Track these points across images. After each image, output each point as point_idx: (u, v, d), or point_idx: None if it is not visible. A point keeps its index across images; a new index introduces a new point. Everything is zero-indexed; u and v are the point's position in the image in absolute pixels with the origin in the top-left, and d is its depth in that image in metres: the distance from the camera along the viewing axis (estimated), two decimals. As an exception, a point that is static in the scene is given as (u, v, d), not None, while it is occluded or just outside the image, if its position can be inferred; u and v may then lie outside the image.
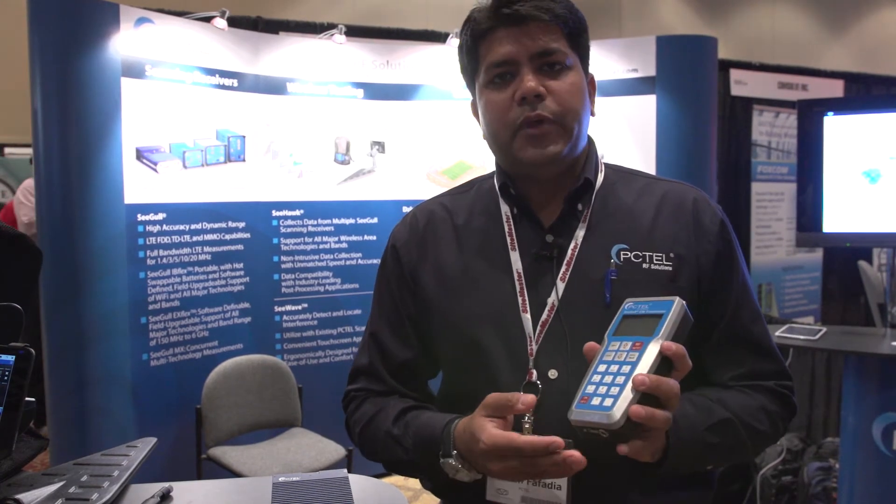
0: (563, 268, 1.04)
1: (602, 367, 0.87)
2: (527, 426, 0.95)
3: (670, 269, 1.04)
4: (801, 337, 2.58)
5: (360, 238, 3.69)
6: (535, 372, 1.02)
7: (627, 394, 0.82)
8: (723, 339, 1.06)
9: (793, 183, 4.09)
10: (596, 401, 0.84)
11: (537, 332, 1.03)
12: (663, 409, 0.83)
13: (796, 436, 3.38)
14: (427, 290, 1.10)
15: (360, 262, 3.69)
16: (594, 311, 1.02)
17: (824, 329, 2.69)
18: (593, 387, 0.86)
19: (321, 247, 3.63)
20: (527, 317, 1.03)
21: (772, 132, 5.03)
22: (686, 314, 0.87)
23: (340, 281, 3.67)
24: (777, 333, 2.65)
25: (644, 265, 1.04)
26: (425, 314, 1.10)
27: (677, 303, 0.86)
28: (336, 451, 2.87)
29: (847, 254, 4.63)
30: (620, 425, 0.81)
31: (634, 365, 0.84)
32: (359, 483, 1.18)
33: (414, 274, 1.12)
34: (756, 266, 4.85)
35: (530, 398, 0.89)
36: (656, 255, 1.04)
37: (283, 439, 3.00)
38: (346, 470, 1.24)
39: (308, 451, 2.85)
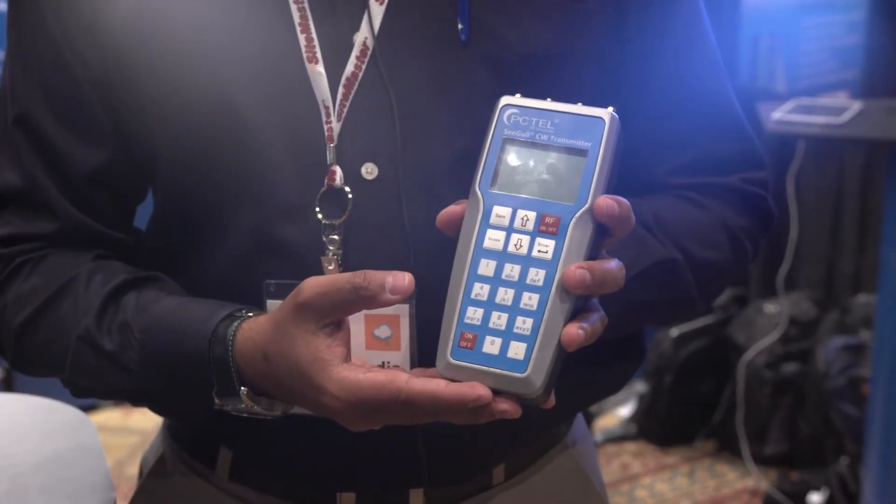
0: None
1: (486, 267, 0.72)
2: (330, 266, 0.85)
3: None
4: (819, 120, 2.32)
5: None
6: (338, 169, 0.88)
7: (550, 329, 0.69)
8: (659, 104, 0.96)
9: None
10: (491, 346, 0.71)
11: (339, 96, 0.87)
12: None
13: (807, 296, 3.19)
14: (126, 32, 0.90)
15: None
16: (440, 53, 0.88)
17: (857, 104, 2.44)
18: (479, 311, 0.72)
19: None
20: (318, 70, 0.87)
21: None
22: (621, 129, 0.74)
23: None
24: (776, 115, 2.38)
25: None
26: (127, 77, 0.91)
27: (609, 122, 0.72)
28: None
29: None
30: (542, 393, 0.71)
31: (552, 266, 0.71)
32: (15, 407, 1.10)
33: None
34: (750, 3, 4.35)
35: (407, 278, 0.73)
36: None
37: None
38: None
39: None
